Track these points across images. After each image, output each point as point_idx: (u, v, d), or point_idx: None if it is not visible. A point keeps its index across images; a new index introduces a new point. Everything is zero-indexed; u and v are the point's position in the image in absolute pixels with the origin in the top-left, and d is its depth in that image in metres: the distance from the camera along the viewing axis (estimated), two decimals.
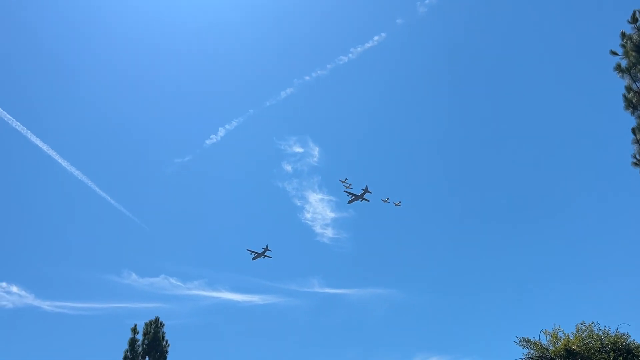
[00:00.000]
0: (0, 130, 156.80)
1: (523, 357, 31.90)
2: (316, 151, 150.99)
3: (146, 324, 37.25)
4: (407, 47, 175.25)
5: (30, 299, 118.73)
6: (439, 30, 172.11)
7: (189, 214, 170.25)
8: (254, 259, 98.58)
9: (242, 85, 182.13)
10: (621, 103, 26.87)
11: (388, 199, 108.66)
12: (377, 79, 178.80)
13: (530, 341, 31.84)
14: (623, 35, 26.28)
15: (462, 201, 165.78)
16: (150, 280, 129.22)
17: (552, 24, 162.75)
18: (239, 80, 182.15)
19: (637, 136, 25.70)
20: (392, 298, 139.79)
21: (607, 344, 29.84)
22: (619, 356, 29.17)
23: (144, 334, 36.86)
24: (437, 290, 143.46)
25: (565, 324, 32.03)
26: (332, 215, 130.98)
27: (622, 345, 29.47)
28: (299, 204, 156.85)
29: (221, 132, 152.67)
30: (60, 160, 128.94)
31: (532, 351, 31.73)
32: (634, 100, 26.01)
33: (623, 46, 26.28)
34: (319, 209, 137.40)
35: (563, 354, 30.25)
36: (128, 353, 35.74)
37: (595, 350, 29.81)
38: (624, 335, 29.97)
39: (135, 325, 36.79)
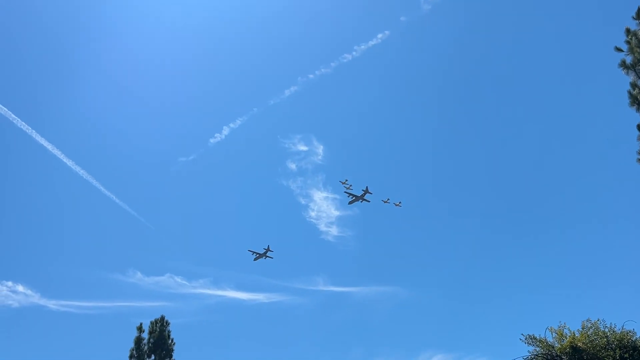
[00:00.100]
0: (5, 129, 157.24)
1: (529, 354, 31.86)
2: (320, 149, 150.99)
3: (152, 323, 37.36)
4: (411, 45, 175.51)
5: (36, 298, 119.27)
6: (443, 28, 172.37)
7: (193, 213, 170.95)
8: (255, 259, 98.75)
9: (246, 84, 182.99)
10: (625, 100, 26.98)
11: (388, 199, 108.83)
12: (381, 77, 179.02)
13: (535, 338, 31.78)
14: (628, 31, 26.33)
15: (467, 199, 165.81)
16: (155, 279, 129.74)
17: (556, 20, 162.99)
18: (243, 78, 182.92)
19: None
20: (397, 296, 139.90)
21: (613, 341, 29.81)
22: (625, 353, 29.15)
23: (150, 333, 36.94)
24: (442, 288, 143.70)
25: (571, 321, 32.00)
26: (337, 213, 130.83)
27: (628, 342, 29.44)
28: (303, 202, 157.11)
29: (225, 130, 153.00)
30: (65, 160, 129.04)
31: (537, 348, 31.67)
32: (639, 97, 26.03)
33: (628, 42, 26.32)
34: (324, 207, 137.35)
35: (569, 352, 30.22)
36: (134, 352, 35.82)
37: (601, 347, 29.78)
38: (630, 332, 29.94)
39: (141, 324, 36.93)
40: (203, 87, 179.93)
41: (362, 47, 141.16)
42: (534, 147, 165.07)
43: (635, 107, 26.22)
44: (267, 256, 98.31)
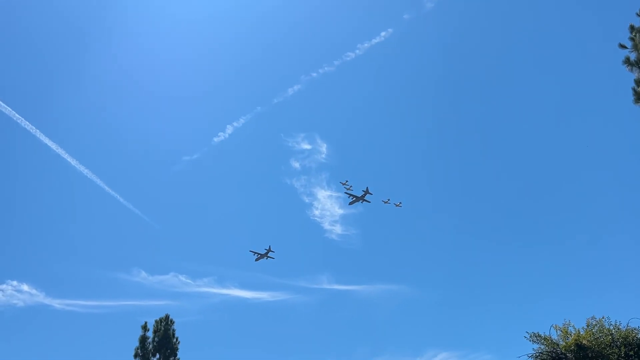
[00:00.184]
0: (10, 129, 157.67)
1: (533, 352, 31.80)
2: (324, 148, 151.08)
3: (156, 322, 37.42)
4: (414, 43, 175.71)
5: (40, 298, 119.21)
6: (446, 26, 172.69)
7: (197, 212, 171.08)
8: (257, 259, 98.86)
9: (249, 83, 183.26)
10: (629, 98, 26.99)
11: (389, 199, 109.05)
12: (385, 75, 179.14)
13: (540, 336, 31.72)
14: (632, 28, 26.34)
15: (472, 196, 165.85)
16: (159, 278, 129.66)
17: (560, 17, 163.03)
18: (246, 77, 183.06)
19: None
20: (402, 294, 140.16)
21: (618, 339, 29.77)
22: (630, 351, 29.12)
23: (154, 332, 37.02)
24: (446, 286, 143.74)
25: (576, 318, 31.94)
26: (341, 211, 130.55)
27: (633, 339, 29.38)
28: (307, 200, 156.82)
29: (229, 129, 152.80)
30: (69, 159, 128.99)
31: (542, 346, 31.61)
32: None
33: (632, 39, 26.33)
34: (328, 205, 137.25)
35: (574, 349, 30.17)
36: (139, 350, 35.87)
37: (606, 345, 29.74)
38: (635, 329, 29.85)
39: (146, 323, 36.96)
40: (206, 86, 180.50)
41: (366, 45, 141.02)
42: (538, 144, 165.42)
43: (639, 104, 26.24)
44: (269, 256, 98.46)
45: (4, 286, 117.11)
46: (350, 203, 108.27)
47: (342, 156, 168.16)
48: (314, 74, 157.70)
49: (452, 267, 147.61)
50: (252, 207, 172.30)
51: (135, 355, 35.76)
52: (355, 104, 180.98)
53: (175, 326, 37.53)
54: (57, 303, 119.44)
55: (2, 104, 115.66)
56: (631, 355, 28.93)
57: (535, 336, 31.81)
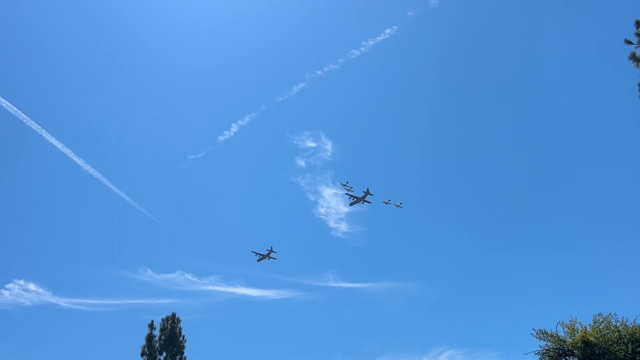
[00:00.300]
0: (15, 128, 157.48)
1: (540, 349, 31.82)
2: (329, 145, 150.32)
3: (163, 320, 37.44)
4: (419, 40, 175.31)
5: (47, 296, 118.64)
6: (451, 22, 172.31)
7: (203, 210, 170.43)
8: (259, 260, 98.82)
9: (254, 81, 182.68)
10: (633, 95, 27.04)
11: (389, 200, 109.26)
12: (389, 72, 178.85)
13: (547, 333, 31.73)
14: (638, 23, 26.40)
15: (480, 194, 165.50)
16: (166, 276, 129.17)
17: (563, 15, 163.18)
18: (250, 75, 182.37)
19: None
20: (408, 291, 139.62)
21: (625, 335, 29.75)
22: (637, 347, 29.08)
23: (161, 330, 37.00)
24: (453, 283, 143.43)
25: (583, 315, 31.95)
26: (346, 209, 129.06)
27: None
28: (312, 198, 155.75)
29: (234, 128, 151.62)
30: (75, 159, 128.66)
31: (549, 343, 31.62)
32: None
33: (638, 35, 26.39)
34: (333, 203, 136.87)
35: (580, 346, 30.15)
36: (145, 349, 35.82)
37: (613, 341, 29.72)
38: None
39: (152, 321, 37.07)
40: (211, 84, 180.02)
41: (370, 42, 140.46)
42: (542, 142, 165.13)
43: None
44: (271, 257, 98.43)
45: (11, 285, 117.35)
46: (351, 204, 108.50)
47: (347, 154, 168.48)
48: (319, 72, 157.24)
49: (458, 264, 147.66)
50: (257, 206, 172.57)
51: (142, 354, 35.72)
52: (360, 102, 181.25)
53: (181, 324, 37.58)
54: (64, 302, 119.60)
55: (9, 104, 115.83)
56: (639, 352, 28.90)
57: (542, 333, 31.82)
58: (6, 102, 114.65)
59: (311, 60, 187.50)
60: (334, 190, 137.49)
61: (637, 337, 29.42)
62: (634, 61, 26.83)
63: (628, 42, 26.92)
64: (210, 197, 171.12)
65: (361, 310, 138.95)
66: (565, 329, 31.44)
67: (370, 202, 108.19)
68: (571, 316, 31.77)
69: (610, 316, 30.79)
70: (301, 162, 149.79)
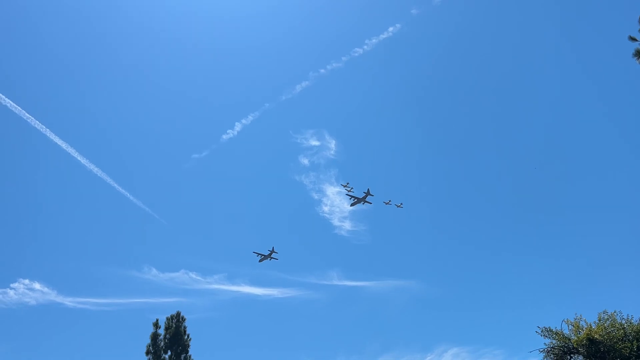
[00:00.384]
0: (20, 128, 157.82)
1: (545, 347, 31.81)
2: (333, 144, 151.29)
3: (168, 319, 37.35)
4: (422, 38, 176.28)
5: (53, 296, 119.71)
6: (454, 20, 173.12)
7: (207, 209, 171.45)
8: (260, 260, 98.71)
9: (257, 80, 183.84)
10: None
11: (390, 200, 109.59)
12: (393, 70, 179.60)
13: (552, 331, 31.75)
14: None
15: (484, 193, 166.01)
16: (170, 275, 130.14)
17: (567, 13, 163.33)
18: (254, 74, 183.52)
19: None
20: (412, 290, 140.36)
21: (630, 333, 29.76)
22: None
23: (166, 329, 36.91)
24: (456, 281, 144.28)
25: (587, 313, 31.98)
26: (350, 208, 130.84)
27: None
28: (316, 197, 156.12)
29: (238, 126, 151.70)
30: (79, 158, 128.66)
31: (553, 341, 31.66)
32: None
33: None
34: (337, 201, 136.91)
35: (585, 344, 30.14)
36: (150, 347, 35.73)
37: (618, 339, 29.73)
38: None
39: (157, 320, 36.92)
40: (215, 83, 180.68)
41: (373, 40, 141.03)
42: (545, 141, 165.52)
43: None
44: (272, 257, 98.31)
45: (16, 285, 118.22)
46: (352, 204, 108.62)
47: (351, 152, 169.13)
48: (322, 70, 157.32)
49: (462, 263, 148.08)
50: (261, 204, 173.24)
51: (147, 352, 35.58)
52: (364, 100, 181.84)
53: (186, 323, 37.38)
54: (68, 301, 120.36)
55: (13, 104, 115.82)
56: None
57: (547, 331, 31.84)
58: (10, 102, 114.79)
59: (315, 58, 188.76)
60: (337, 189, 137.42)
61: None
62: (638, 58, 26.80)
63: (632, 38, 26.87)
64: (214, 196, 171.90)
65: (365, 308, 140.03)
66: (570, 326, 31.49)
67: (370, 203, 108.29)
68: (576, 314, 31.88)
69: (615, 314, 30.88)
70: (305, 161, 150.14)
